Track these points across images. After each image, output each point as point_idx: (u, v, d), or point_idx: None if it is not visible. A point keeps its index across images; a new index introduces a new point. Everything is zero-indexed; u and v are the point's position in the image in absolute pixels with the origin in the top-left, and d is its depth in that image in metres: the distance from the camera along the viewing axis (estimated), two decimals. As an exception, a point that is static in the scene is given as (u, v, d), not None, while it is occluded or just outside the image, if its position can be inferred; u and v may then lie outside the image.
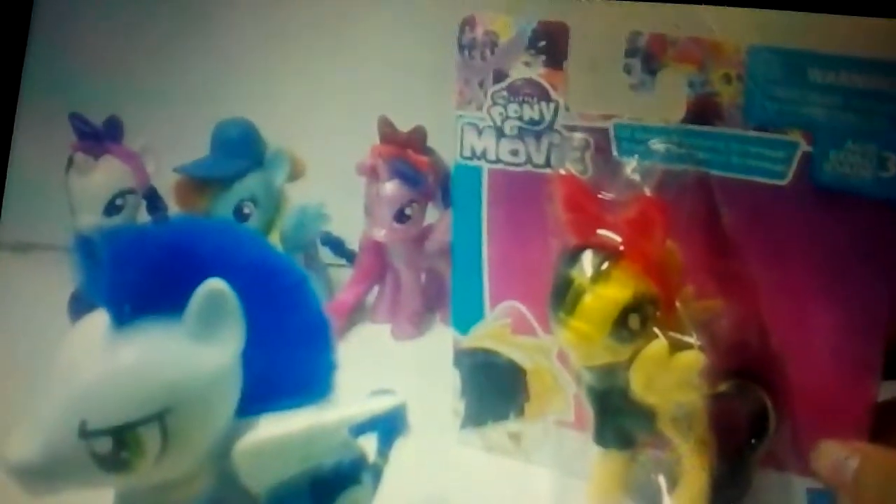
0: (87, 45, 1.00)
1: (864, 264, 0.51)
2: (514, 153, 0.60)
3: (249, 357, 0.40)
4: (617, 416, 0.54)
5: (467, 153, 0.61)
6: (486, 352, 0.64)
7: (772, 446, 0.54)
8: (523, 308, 0.61)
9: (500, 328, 0.63)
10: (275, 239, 0.79)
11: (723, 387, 0.54)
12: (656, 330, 0.50)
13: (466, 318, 0.64)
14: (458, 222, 0.63)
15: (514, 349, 0.63)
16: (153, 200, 0.84)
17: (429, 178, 0.80)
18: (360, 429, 0.44)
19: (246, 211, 0.78)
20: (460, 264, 0.64)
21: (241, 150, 0.79)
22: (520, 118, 0.59)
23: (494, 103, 0.60)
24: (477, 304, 0.64)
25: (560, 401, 0.61)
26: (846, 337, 0.52)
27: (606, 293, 0.50)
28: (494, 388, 0.65)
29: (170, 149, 0.82)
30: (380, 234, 0.81)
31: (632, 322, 0.49)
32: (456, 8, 0.86)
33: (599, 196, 0.52)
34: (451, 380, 0.66)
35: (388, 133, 0.80)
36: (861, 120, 0.49)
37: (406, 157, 0.80)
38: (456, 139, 0.62)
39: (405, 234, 0.81)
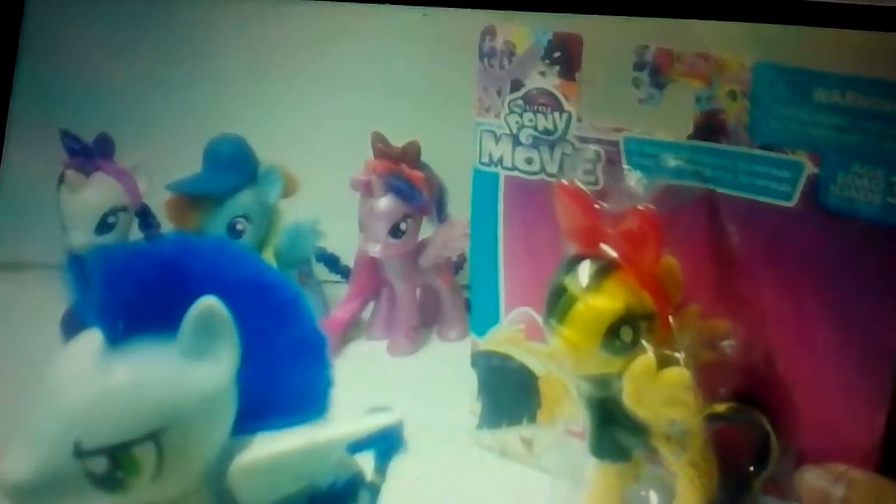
0: (78, 61, 1.00)
1: (873, 291, 0.50)
2: (529, 161, 0.61)
3: (245, 375, 0.40)
4: (612, 428, 0.54)
5: (485, 160, 0.63)
6: (502, 355, 0.65)
7: (775, 474, 0.54)
8: (536, 315, 0.61)
9: (514, 333, 0.64)
10: (269, 256, 0.79)
11: (720, 408, 0.53)
12: (645, 344, 0.50)
13: (483, 321, 0.66)
14: (475, 226, 0.65)
15: (527, 355, 0.64)
16: (145, 218, 0.84)
17: (423, 193, 0.80)
18: (357, 447, 0.43)
19: (239, 227, 0.78)
20: (477, 268, 0.66)
21: (233, 166, 0.79)
22: (534, 127, 0.60)
23: (511, 112, 0.61)
24: (493, 308, 0.65)
25: (570, 409, 0.60)
26: (853, 365, 0.52)
27: (597, 303, 0.50)
28: (509, 392, 0.65)
29: (162, 166, 0.82)
30: (374, 249, 0.81)
31: (624, 334, 0.50)
32: (451, 26, 0.87)
33: (598, 207, 0.52)
34: (447, 396, 0.67)
35: (382, 149, 0.80)
36: (867, 142, 0.49)
37: (400, 172, 0.80)
38: (475, 145, 0.63)
39: (400, 250, 0.81)
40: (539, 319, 0.59)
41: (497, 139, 0.62)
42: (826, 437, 0.53)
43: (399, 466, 0.44)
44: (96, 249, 0.40)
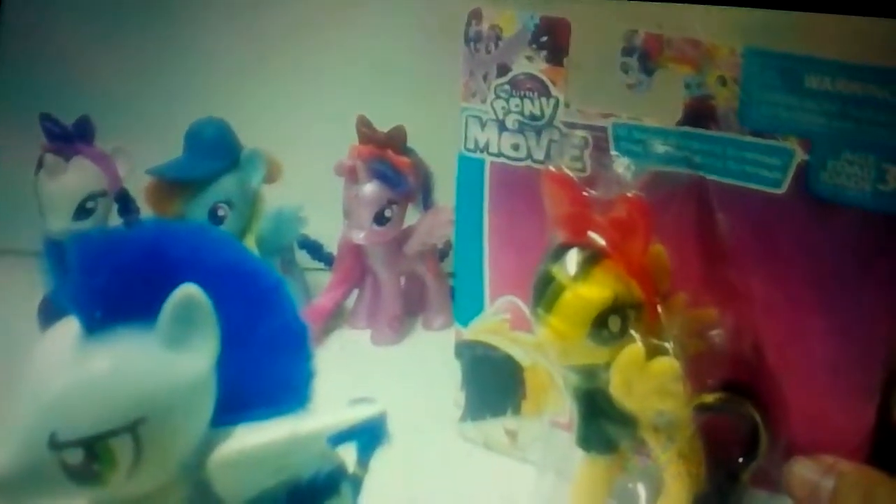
0: (58, 45, 0.99)
1: (862, 279, 0.50)
2: (516, 147, 0.60)
3: (225, 365, 0.40)
4: (599, 420, 0.53)
5: (471, 145, 0.62)
6: (486, 345, 0.65)
7: (765, 466, 0.53)
8: (521, 304, 0.61)
9: (499, 323, 0.64)
10: (251, 242, 0.79)
11: (709, 398, 0.53)
12: (633, 333, 0.49)
13: (467, 310, 0.65)
14: (460, 213, 0.64)
15: (512, 345, 0.63)
16: (125, 203, 0.84)
17: (409, 180, 0.80)
18: (339, 438, 0.43)
19: (220, 213, 0.78)
20: (462, 256, 0.65)
21: (215, 150, 0.78)
22: (521, 112, 0.60)
23: (497, 97, 0.60)
24: (477, 297, 0.64)
25: (556, 400, 0.60)
26: (844, 355, 0.52)
27: (585, 292, 0.49)
28: (493, 383, 0.65)
29: (142, 150, 0.82)
30: (359, 236, 0.80)
31: (612, 324, 0.49)
32: (436, 10, 0.87)
33: (586, 194, 0.52)
34: (432, 386, 0.67)
35: (367, 133, 0.80)
36: (858, 129, 0.49)
37: (386, 157, 0.79)
38: (461, 130, 0.62)
39: (384, 237, 0.81)
40: (525, 308, 0.59)
41: (483, 125, 0.61)
42: (816, 429, 0.53)
43: (382, 459, 0.44)
44: (74, 235, 0.39)
